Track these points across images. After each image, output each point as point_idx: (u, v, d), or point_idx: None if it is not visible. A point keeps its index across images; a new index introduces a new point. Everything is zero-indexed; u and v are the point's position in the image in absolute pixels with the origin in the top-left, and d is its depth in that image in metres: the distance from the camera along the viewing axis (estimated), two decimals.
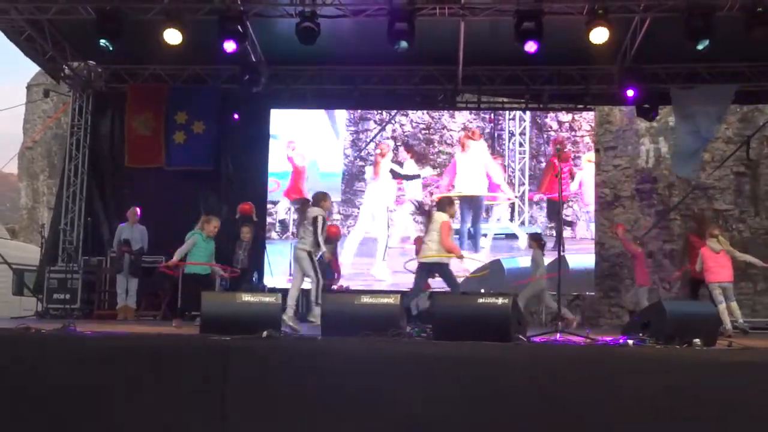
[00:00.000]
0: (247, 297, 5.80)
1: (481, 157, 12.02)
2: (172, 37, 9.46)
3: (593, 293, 12.65)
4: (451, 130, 12.16)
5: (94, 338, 5.36)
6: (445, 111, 12.36)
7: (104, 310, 10.83)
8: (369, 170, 12.21)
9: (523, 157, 12.07)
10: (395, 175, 12.13)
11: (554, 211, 11.57)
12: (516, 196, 11.96)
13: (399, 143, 12.25)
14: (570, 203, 11.81)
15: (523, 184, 12.01)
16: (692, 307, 6.44)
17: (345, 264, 11.57)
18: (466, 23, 10.18)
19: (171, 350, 5.00)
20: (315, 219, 7.84)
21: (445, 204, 8.48)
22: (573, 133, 12.05)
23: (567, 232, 11.62)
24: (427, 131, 12.19)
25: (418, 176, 12.10)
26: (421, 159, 12.14)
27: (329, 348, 4.95)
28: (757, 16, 8.91)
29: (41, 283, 11.37)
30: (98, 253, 11.69)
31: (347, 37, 10.73)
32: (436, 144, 12.14)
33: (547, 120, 12.18)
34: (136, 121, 12.12)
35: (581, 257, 11.72)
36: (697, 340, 5.20)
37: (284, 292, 7.18)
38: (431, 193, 11.99)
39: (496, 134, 12.14)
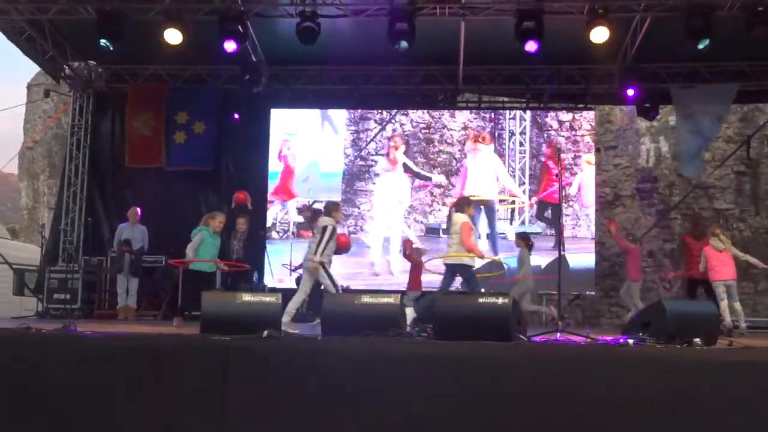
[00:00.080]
0: (247, 297, 5.80)
1: (491, 160, 12.00)
2: (173, 37, 9.46)
3: (593, 293, 12.65)
4: (451, 129, 12.16)
5: (94, 338, 5.37)
6: (446, 110, 12.37)
7: (105, 310, 10.83)
8: (382, 161, 12.10)
9: (524, 157, 12.07)
10: (407, 169, 12.09)
11: (544, 212, 11.83)
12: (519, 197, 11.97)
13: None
14: (570, 203, 11.81)
15: (523, 183, 12.01)
16: (692, 307, 6.45)
17: (378, 263, 11.69)
18: (466, 23, 10.19)
19: (171, 350, 5.01)
20: (325, 229, 7.75)
21: (463, 204, 8.42)
22: (573, 133, 12.04)
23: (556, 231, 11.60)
24: (428, 131, 12.18)
25: (429, 178, 12.06)
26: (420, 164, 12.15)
27: (329, 348, 4.95)
28: (758, 15, 8.90)
29: (42, 283, 11.37)
30: (99, 253, 11.68)
31: (348, 37, 10.72)
32: (436, 143, 12.14)
33: (548, 119, 12.17)
34: (137, 121, 12.12)
35: (581, 257, 11.71)
36: (697, 340, 5.20)
37: (285, 292, 7.16)
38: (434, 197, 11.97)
39: (496, 134, 12.14)
